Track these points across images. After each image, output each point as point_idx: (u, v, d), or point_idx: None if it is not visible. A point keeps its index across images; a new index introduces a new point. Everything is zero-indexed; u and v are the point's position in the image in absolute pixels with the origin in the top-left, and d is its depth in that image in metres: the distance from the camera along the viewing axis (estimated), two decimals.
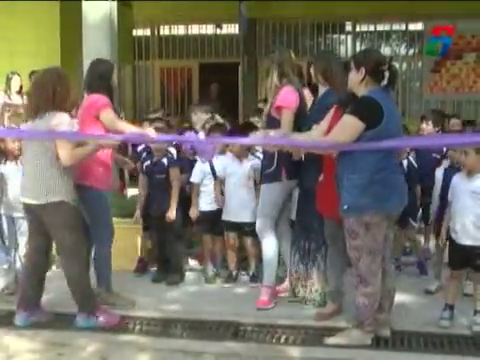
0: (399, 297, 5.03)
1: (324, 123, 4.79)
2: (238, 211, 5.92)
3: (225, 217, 6.03)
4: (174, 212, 5.92)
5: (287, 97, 5.21)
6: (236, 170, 5.97)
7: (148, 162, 6.10)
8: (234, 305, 5.39)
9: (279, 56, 5.36)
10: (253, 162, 5.99)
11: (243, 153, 5.97)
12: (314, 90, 5.51)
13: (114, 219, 5.55)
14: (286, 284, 5.62)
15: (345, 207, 4.41)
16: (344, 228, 4.51)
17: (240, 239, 6.05)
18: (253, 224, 5.63)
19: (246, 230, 5.91)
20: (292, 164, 5.30)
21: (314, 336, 4.75)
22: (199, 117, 6.83)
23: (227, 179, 6.03)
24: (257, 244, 5.74)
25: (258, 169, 5.76)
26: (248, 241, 5.96)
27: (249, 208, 5.86)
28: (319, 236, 5.17)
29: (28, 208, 4.92)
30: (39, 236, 4.98)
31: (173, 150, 6.35)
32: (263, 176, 5.41)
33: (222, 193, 6.07)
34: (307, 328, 4.88)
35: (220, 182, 6.07)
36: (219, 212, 6.05)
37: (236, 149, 5.96)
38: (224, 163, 6.07)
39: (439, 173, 5.76)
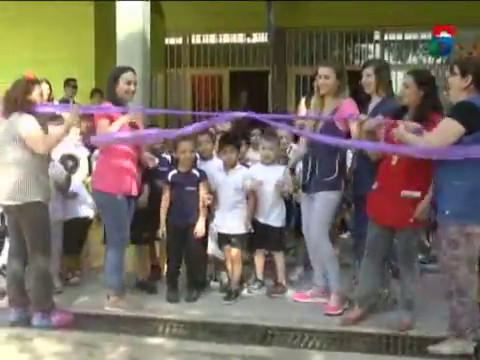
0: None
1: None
2: (227, 222, 5.80)
3: (218, 229, 5.89)
4: (202, 226, 5.72)
5: (354, 107, 5.26)
6: (223, 180, 5.82)
7: (175, 172, 5.79)
8: (261, 310, 5.45)
9: (342, 68, 5.40)
10: (243, 172, 5.86)
11: (231, 163, 5.82)
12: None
13: None
14: (313, 290, 5.67)
15: (447, 213, 4.41)
16: (440, 237, 4.54)
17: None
18: (241, 236, 5.69)
19: (233, 241, 5.78)
20: (345, 173, 5.40)
21: (340, 341, 4.79)
22: (223, 125, 6.91)
23: (216, 189, 5.90)
24: (241, 258, 5.78)
25: (248, 178, 5.73)
26: (233, 253, 5.79)
27: (237, 219, 5.77)
28: None
29: (7, 210, 5.12)
30: (16, 241, 5.13)
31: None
32: (319, 183, 5.30)
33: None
34: (333, 333, 4.92)
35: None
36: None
37: (226, 157, 5.83)
38: (211, 172, 5.89)
39: None
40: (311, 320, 5.16)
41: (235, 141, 5.93)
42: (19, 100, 4.96)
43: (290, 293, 5.84)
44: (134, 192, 5.49)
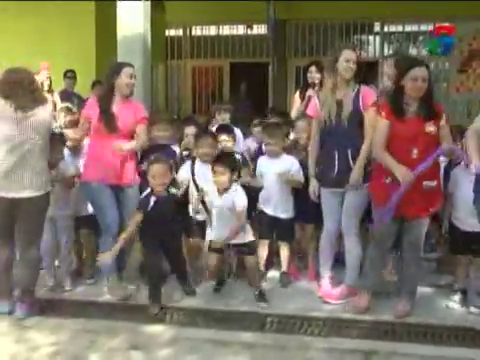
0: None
1: None
2: (223, 236, 5.32)
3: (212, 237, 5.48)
4: None
5: (374, 96, 5.26)
6: (216, 202, 5.37)
7: (154, 198, 5.27)
8: None
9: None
10: (236, 194, 5.31)
11: (223, 187, 5.31)
12: None
13: None
14: (342, 289, 5.48)
15: None
16: None
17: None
18: (237, 245, 5.38)
19: (243, 250, 5.42)
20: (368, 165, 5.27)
21: (339, 328, 4.84)
22: (222, 116, 6.93)
23: (210, 207, 5.50)
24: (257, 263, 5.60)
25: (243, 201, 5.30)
26: (248, 262, 5.43)
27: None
28: None
29: (13, 202, 4.90)
30: (5, 237, 5.08)
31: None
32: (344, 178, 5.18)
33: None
34: (332, 320, 4.97)
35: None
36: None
37: (216, 180, 5.31)
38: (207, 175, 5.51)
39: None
40: (310, 307, 5.20)
41: (228, 161, 5.40)
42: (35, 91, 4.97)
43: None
44: (113, 181, 5.44)
